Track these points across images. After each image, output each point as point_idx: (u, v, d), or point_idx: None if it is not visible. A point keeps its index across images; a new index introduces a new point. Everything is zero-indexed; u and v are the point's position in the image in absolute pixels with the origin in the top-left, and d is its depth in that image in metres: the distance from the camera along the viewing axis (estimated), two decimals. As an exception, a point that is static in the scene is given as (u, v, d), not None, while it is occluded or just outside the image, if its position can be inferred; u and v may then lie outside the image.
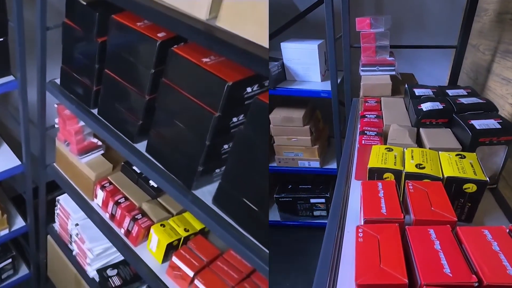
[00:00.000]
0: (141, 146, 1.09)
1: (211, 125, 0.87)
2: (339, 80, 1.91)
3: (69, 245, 1.70)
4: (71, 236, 1.65)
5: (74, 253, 1.67)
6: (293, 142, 2.11)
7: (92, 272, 1.60)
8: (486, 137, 0.89)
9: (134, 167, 1.40)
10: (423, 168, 0.79)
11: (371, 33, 1.55)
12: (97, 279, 1.58)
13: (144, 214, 1.31)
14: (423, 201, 0.71)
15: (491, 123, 0.92)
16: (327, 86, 1.93)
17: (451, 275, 0.53)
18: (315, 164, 2.19)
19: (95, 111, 1.22)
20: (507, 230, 0.62)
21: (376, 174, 0.83)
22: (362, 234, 0.64)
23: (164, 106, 0.98)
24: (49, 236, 1.79)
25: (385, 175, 0.82)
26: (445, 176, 0.77)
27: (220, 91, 0.83)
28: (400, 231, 0.64)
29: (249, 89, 0.87)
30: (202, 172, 0.94)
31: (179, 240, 1.25)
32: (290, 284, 1.94)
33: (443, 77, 2.24)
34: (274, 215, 2.26)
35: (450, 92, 1.19)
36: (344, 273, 0.71)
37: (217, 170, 0.99)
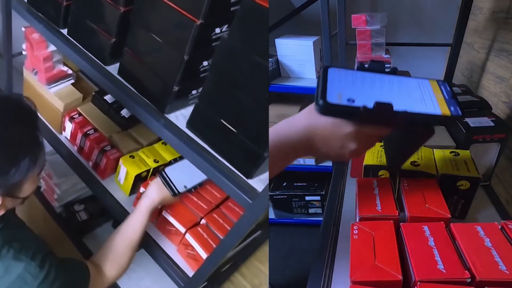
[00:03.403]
0: (113, 68, 1.01)
1: (192, 35, 0.77)
2: (334, 77, 1.91)
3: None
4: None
5: (41, 189, 1.58)
6: (288, 139, 2.11)
7: (59, 208, 1.54)
8: (480, 135, 0.90)
9: (105, 97, 1.31)
10: (418, 165, 0.80)
11: (367, 30, 1.55)
12: (64, 215, 1.53)
13: (113, 146, 1.24)
14: (418, 198, 0.71)
15: (485, 121, 0.93)
16: (322, 83, 1.93)
17: (444, 271, 0.54)
18: (310, 161, 2.19)
19: (65, 31, 1.11)
20: (499, 227, 0.63)
21: (371, 171, 0.83)
22: (357, 231, 0.65)
23: (140, 17, 0.88)
24: (16, 175, 1.74)
25: (380, 173, 0.83)
26: (439, 173, 0.78)
27: None
28: (394, 228, 0.65)
29: None
30: (177, 92, 0.86)
31: (148, 171, 1.17)
32: (285, 282, 1.95)
33: (438, 75, 2.25)
34: (269, 212, 2.27)
35: (445, 90, 1.20)
36: (339, 270, 0.72)
37: (194, 92, 0.90)
